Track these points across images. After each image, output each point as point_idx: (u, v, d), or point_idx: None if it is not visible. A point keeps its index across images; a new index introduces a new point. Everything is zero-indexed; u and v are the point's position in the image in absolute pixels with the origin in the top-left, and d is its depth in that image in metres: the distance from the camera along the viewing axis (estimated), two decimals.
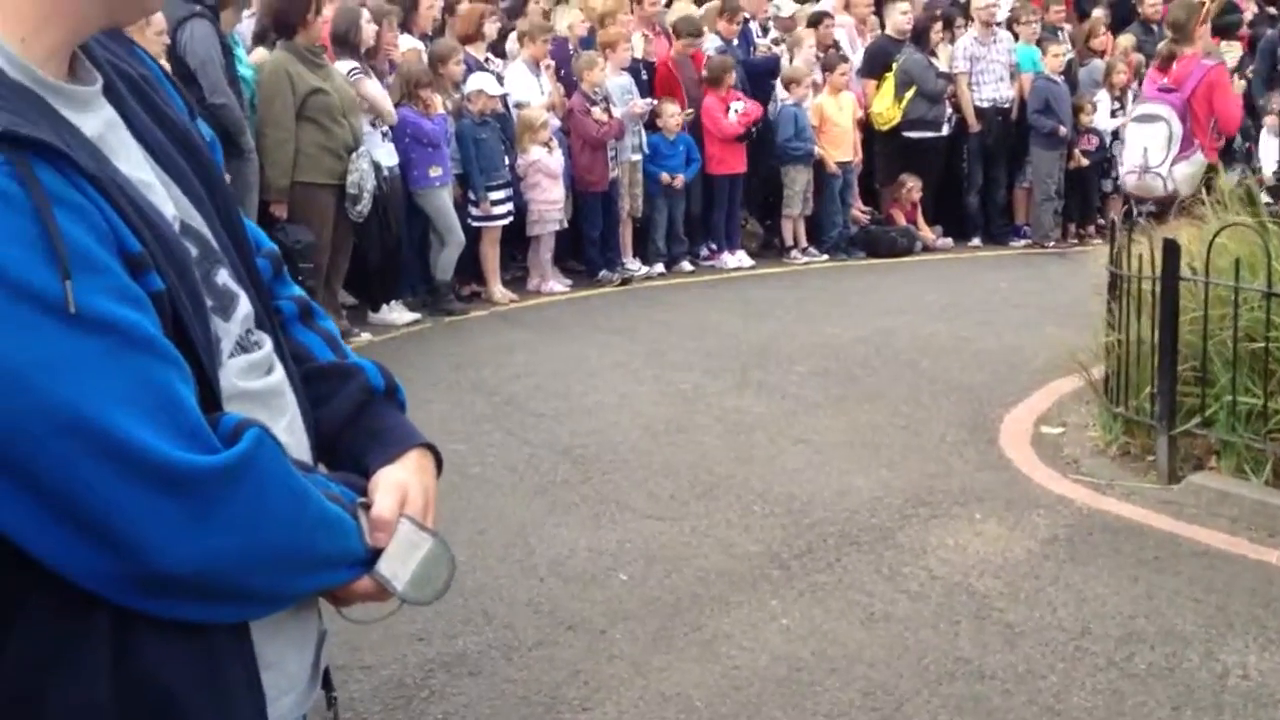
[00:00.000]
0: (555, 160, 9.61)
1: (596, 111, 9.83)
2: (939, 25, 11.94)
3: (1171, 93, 8.53)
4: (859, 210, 11.73)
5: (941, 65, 11.64)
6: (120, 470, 1.13)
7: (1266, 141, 11.22)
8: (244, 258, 1.45)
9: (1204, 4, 8.74)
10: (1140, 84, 10.85)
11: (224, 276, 1.39)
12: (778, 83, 11.21)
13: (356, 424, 1.51)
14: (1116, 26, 12.97)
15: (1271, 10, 14.05)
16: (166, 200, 1.33)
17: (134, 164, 1.31)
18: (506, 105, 9.64)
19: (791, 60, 11.33)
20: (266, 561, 1.26)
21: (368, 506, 1.40)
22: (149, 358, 1.16)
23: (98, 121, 1.29)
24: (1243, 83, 11.46)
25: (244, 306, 1.40)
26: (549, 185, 9.59)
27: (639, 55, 10.68)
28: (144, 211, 1.24)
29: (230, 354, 1.36)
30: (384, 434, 1.51)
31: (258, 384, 1.39)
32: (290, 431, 1.40)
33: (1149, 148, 8.47)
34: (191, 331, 1.24)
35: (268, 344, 1.43)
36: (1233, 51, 11.71)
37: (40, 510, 1.13)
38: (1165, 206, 7.94)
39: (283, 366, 1.45)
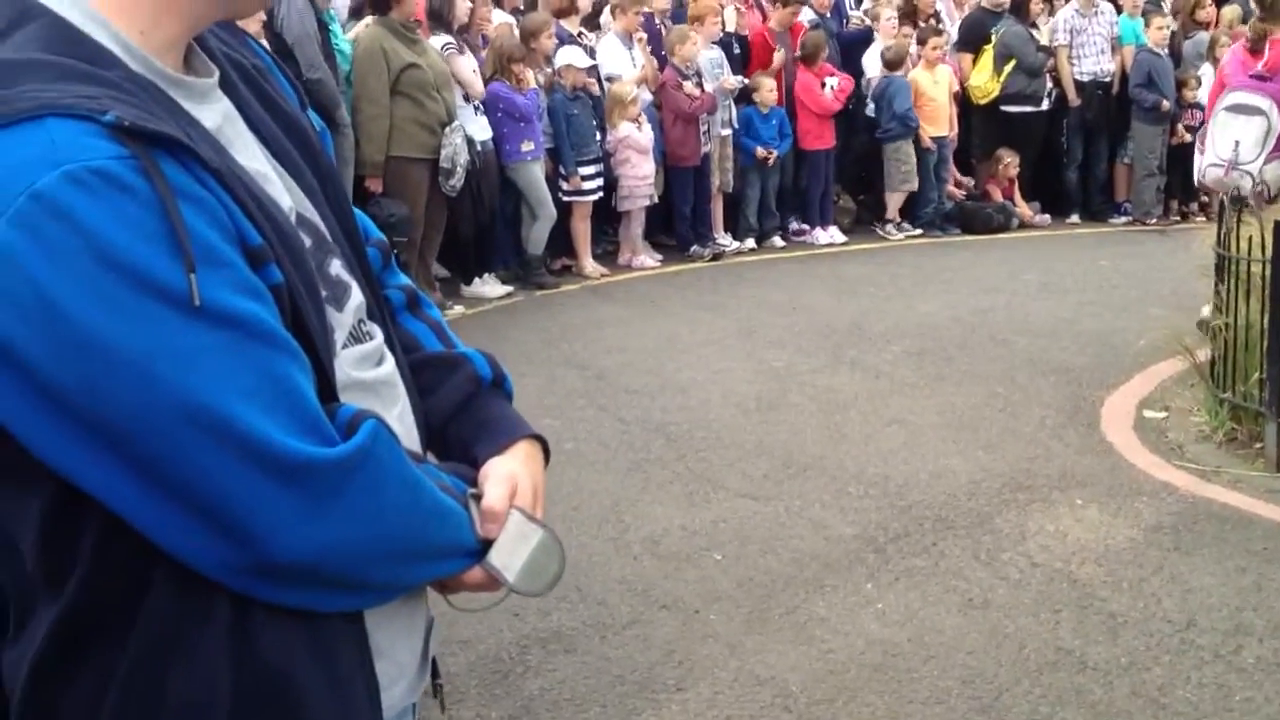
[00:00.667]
0: (645, 136, 9.58)
1: (688, 86, 9.78)
2: None
3: (1267, 81, 7.45)
4: (954, 185, 11.55)
5: (1041, 38, 11.41)
6: (242, 461, 1.13)
7: None
8: (355, 248, 1.46)
9: None
10: None
11: (337, 267, 1.39)
12: (866, 57, 11.06)
13: (464, 414, 1.51)
14: None
15: None
16: (283, 192, 1.34)
17: (250, 155, 1.32)
18: (600, 80, 9.62)
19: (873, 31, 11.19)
20: (381, 552, 1.26)
21: (478, 497, 1.39)
22: (270, 350, 1.16)
23: (215, 114, 1.29)
24: None
25: (356, 297, 1.41)
26: (639, 160, 9.56)
27: (731, 29, 10.60)
28: (263, 204, 1.24)
29: (344, 344, 1.36)
30: (492, 424, 1.51)
31: (370, 374, 1.39)
32: (401, 421, 1.39)
33: (1241, 141, 7.35)
34: (309, 322, 1.24)
35: (379, 334, 1.43)
36: None
37: (161, 498, 1.14)
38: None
39: (393, 357, 1.45)
